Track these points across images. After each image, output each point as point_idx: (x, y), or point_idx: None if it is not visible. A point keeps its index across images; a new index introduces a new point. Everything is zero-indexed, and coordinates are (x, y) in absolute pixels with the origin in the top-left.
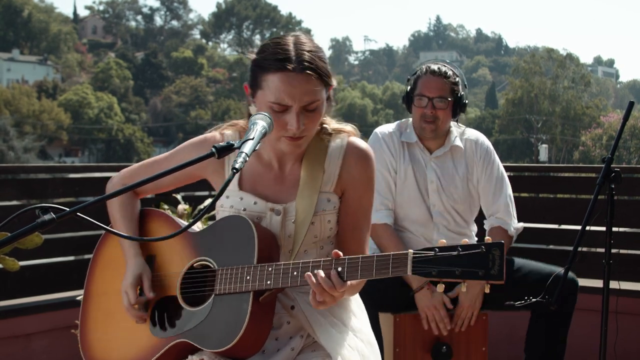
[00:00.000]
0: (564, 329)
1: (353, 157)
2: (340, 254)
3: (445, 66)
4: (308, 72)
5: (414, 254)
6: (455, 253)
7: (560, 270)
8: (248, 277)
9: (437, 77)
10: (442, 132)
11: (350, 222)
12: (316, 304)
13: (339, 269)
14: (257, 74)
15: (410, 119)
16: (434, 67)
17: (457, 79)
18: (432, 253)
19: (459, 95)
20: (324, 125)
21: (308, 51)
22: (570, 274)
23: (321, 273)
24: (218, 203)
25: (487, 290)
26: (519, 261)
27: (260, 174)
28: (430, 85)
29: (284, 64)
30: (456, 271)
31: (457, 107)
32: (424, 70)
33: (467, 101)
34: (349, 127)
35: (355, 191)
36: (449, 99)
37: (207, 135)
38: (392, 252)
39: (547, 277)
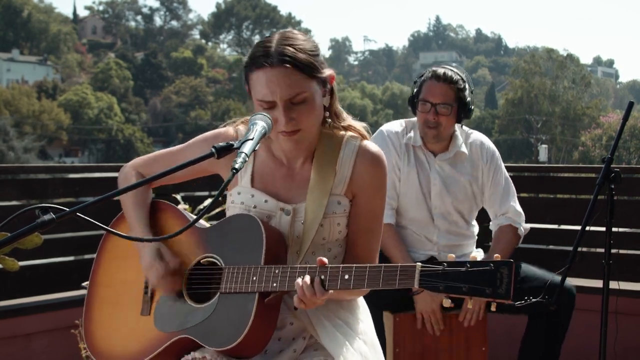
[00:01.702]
0: (559, 341)
1: (365, 161)
2: (325, 261)
3: (452, 70)
4: (286, 65)
5: (421, 267)
6: (463, 269)
7: (559, 278)
8: (254, 278)
9: (441, 83)
10: (445, 137)
11: (361, 227)
12: (297, 303)
13: (322, 277)
14: (246, 74)
15: (416, 119)
16: (440, 71)
17: (463, 84)
18: (440, 268)
19: (464, 101)
20: (336, 115)
21: (290, 45)
22: (568, 284)
23: (306, 279)
24: (229, 199)
25: (494, 309)
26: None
27: (272, 172)
28: (434, 90)
29: (262, 60)
30: (463, 287)
31: (462, 113)
32: (429, 74)
33: (472, 107)
34: (362, 128)
35: (366, 195)
36: (453, 106)
37: (221, 130)
38: (399, 264)
39: (546, 283)
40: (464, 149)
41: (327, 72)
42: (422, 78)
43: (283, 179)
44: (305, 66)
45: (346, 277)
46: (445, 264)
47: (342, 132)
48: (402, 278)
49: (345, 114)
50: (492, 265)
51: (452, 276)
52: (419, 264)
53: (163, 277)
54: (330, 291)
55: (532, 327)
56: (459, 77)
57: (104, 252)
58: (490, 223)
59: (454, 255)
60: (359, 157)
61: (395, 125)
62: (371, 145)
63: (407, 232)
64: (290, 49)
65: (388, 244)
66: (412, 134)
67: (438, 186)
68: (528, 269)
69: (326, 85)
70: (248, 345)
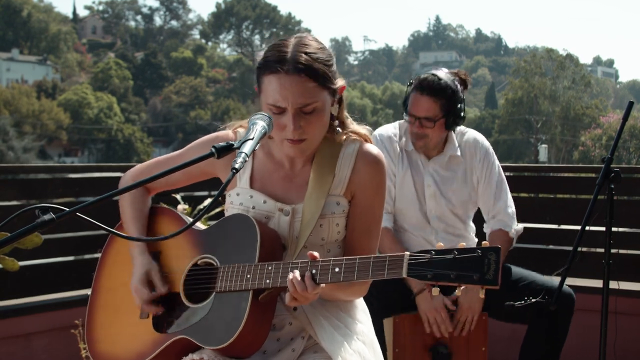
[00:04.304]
0: (559, 344)
1: (365, 162)
2: (317, 255)
3: (440, 80)
4: (301, 74)
5: (410, 256)
6: (451, 256)
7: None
8: (248, 276)
9: (425, 96)
10: (433, 146)
11: (359, 227)
12: (289, 301)
13: (313, 271)
14: (258, 75)
15: None
16: (425, 82)
17: (451, 93)
18: (427, 256)
19: (452, 110)
20: (342, 123)
21: (306, 53)
22: (568, 289)
23: (296, 274)
24: (228, 199)
25: (482, 295)
26: (518, 270)
27: (271, 172)
28: (418, 104)
29: (278, 65)
30: (451, 274)
31: (451, 121)
32: (416, 83)
33: (463, 113)
34: (364, 130)
35: (365, 196)
36: (437, 119)
37: (220, 133)
38: (388, 254)
39: (546, 287)
40: (458, 152)
41: (339, 82)
42: (412, 85)
43: (282, 180)
44: (320, 76)
45: (336, 269)
46: (433, 251)
47: (344, 136)
48: (390, 267)
49: (349, 121)
50: (479, 251)
51: (440, 264)
52: (407, 252)
53: (145, 303)
54: (322, 285)
55: (533, 330)
56: (445, 86)
57: (107, 256)
58: (484, 225)
59: (442, 244)
60: (359, 158)
61: (388, 129)
62: (371, 147)
63: (406, 235)
64: (307, 57)
65: (386, 247)
66: (405, 138)
67: (432, 188)
68: (527, 274)
69: (336, 95)
70: (243, 344)
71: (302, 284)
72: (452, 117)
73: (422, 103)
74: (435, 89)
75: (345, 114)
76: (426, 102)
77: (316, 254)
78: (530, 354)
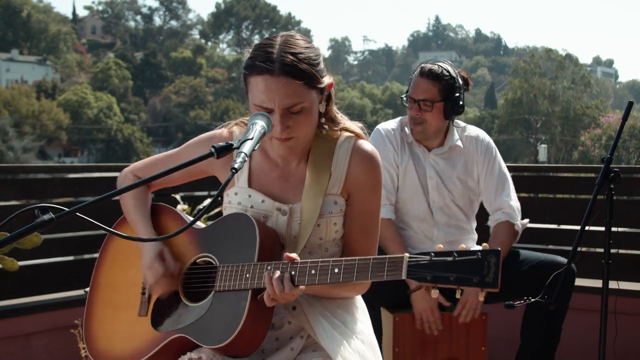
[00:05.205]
0: (561, 315)
1: (359, 160)
2: (294, 256)
3: (440, 67)
4: (287, 75)
5: (409, 258)
6: (450, 259)
7: (558, 258)
8: (247, 275)
9: (424, 79)
10: (431, 134)
11: (357, 226)
12: (268, 301)
13: (292, 272)
14: (245, 76)
15: None
16: (426, 67)
17: (450, 80)
18: (427, 258)
19: (451, 97)
20: (332, 120)
21: (292, 53)
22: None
23: (276, 274)
24: (226, 199)
25: (482, 298)
26: (524, 253)
27: (267, 172)
28: (417, 87)
29: (263, 66)
30: (451, 277)
31: (450, 109)
32: (418, 71)
33: (462, 102)
34: (357, 128)
35: (361, 194)
36: (436, 102)
37: (216, 131)
38: (388, 255)
39: (545, 265)
40: (459, 143)
41: (327, 80)
42: (414, 74)
43: (278, 179)
44: (306, 77)
45: (336, 270)
46: (432, 253)
47: (338, 133)
48: (390, 269)
49: (340, 117)
50: (479, 254)
51: (439, 266)
52: (407, 254)
53: (160, 278)
54: (302, 287)
55: (532, 307)
56: (445, 72)
57: (106, 253)
58: (489, 219)
59: (442, 246)
60: (354, 156)
61: (390, 123)
62: (365, 144)
63: (407, 233)
64: (293, 57)
65: (386, 238)
66: (407, 129)
67: (434, 179)
68: (525, 252)
69: (324, 93)
70: (242, 343)
71: (280, 285)
72: (450, 103)
73: (421, 85)
74: (435, 73)
75: (335, 110)
76: (425, 84)
77: (293, 255)
78: (532, 331)
